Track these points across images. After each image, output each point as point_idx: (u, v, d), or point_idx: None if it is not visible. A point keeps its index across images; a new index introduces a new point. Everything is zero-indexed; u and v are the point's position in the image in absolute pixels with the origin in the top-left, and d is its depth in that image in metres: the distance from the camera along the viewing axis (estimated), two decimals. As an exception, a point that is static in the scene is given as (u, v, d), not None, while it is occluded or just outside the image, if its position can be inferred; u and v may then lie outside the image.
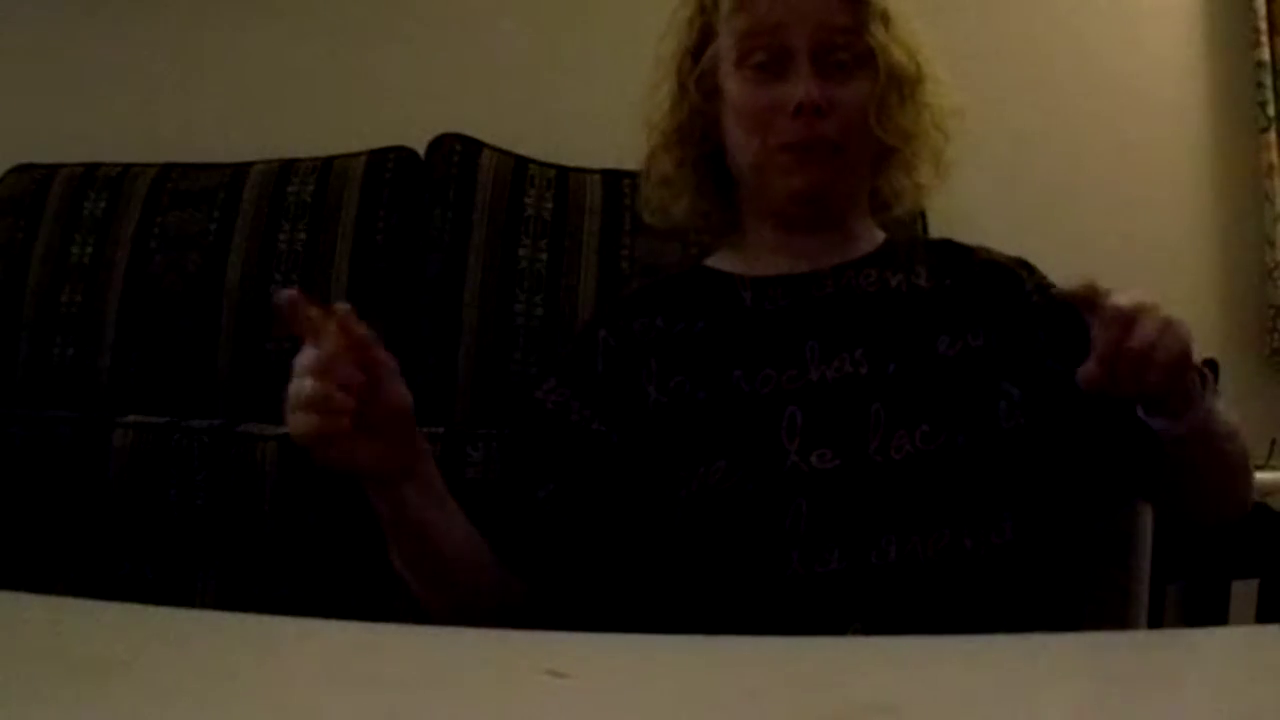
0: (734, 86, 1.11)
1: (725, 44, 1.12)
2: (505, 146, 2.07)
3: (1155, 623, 1.15)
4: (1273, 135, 2.36)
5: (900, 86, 1.11)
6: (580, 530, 1.06)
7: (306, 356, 0.88)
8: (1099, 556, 1.24)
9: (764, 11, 1.09)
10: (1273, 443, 2.03)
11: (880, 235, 1.18)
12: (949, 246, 1.17)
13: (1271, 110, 2.36)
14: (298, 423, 0.88)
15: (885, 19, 1.10)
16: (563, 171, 2.05)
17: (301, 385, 0.88)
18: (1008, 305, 1.09)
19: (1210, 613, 1.82)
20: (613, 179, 2.03)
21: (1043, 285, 1.13)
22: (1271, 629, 0.88)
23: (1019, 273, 1.13)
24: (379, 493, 0.95)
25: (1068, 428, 1.05)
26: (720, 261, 1.19)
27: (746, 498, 0.99)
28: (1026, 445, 1.03)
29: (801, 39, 1.07)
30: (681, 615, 0.97)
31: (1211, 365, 2.03)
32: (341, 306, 0.89)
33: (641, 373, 1.08)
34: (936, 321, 1.08)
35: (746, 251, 1.17)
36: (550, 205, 2.01)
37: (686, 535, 1.00)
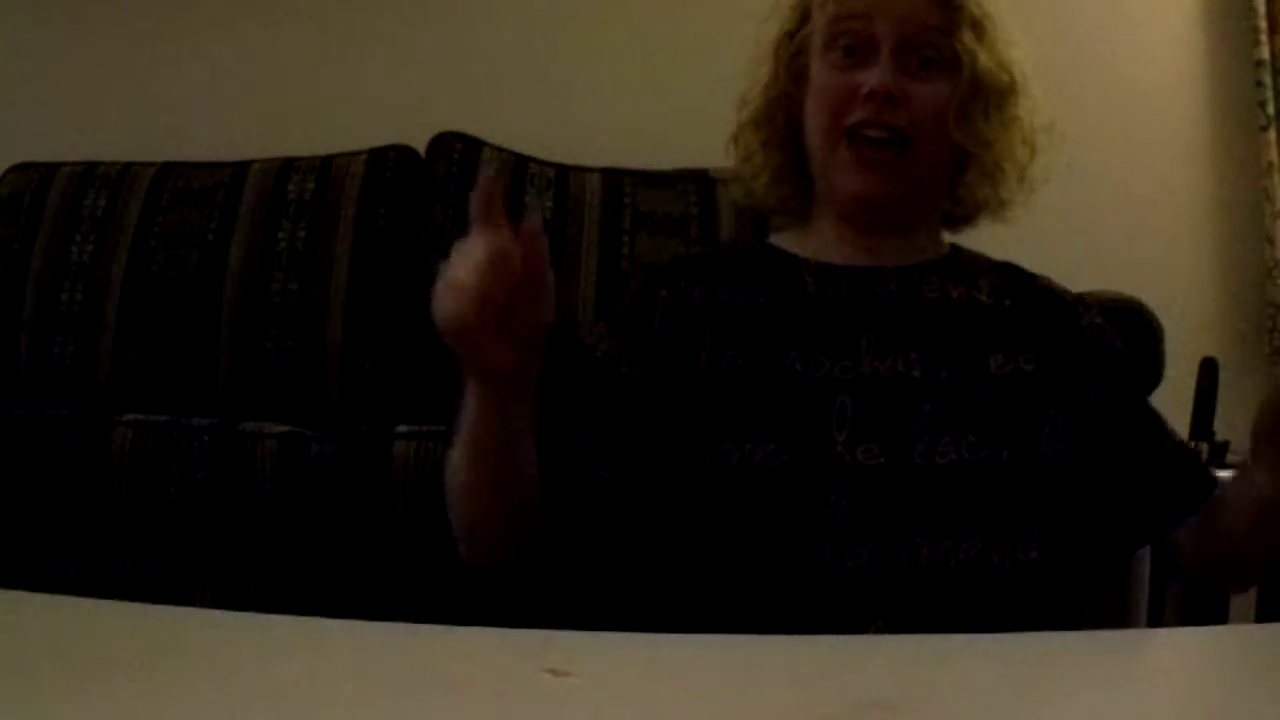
0: (818, 69, 1.13)
1: (817, 28, 1.13)
2: (505, 145, 2.07)
3: (1155, 623, 1.15)
4: (1273, 134, 2.36)
5: (986, 95, 1.11)
6: (621, 489, 1.05)
7: (477, 246, 0.88)
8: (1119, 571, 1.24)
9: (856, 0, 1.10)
10: (1273, 442, 2.02)
11: (946, 245, 1.19)
12: (1012, 269, 1.18)
13: (1271, 109, 2.35)
14: (446, 306, 0.87)
15: (978, 26, 1.11)
16: (563, 170, 2.05)
17: (462, 272, 0.87)
18: (1061, 336, 1.11)
19: (1210, 613, 1.82)
20: (613, 177, 2.03)
21: (1096, 325, 1.14)
22: (1271, 629, 0.88)
23: (1077, 308, 1.14)
24: (489, 398, 0.94)
25: (1101, 462, 1.07)
26: (786, 242, 1.19)
27: (789, 481, 0.99)
28: (1064, 472, 1.05)
29: (887, 30, 1.09)
30: (705, 592, 0.97)
31: (1211, 365, 2.03)
32: (535, 220, 0.92)
33: (697, 340, 1.08)
34: (992, 339, 1.09)
35: (815, 237, 1.17)
36: (550, 204, 2.01)
37: (724, 509, 1.00)
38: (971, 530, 0.98)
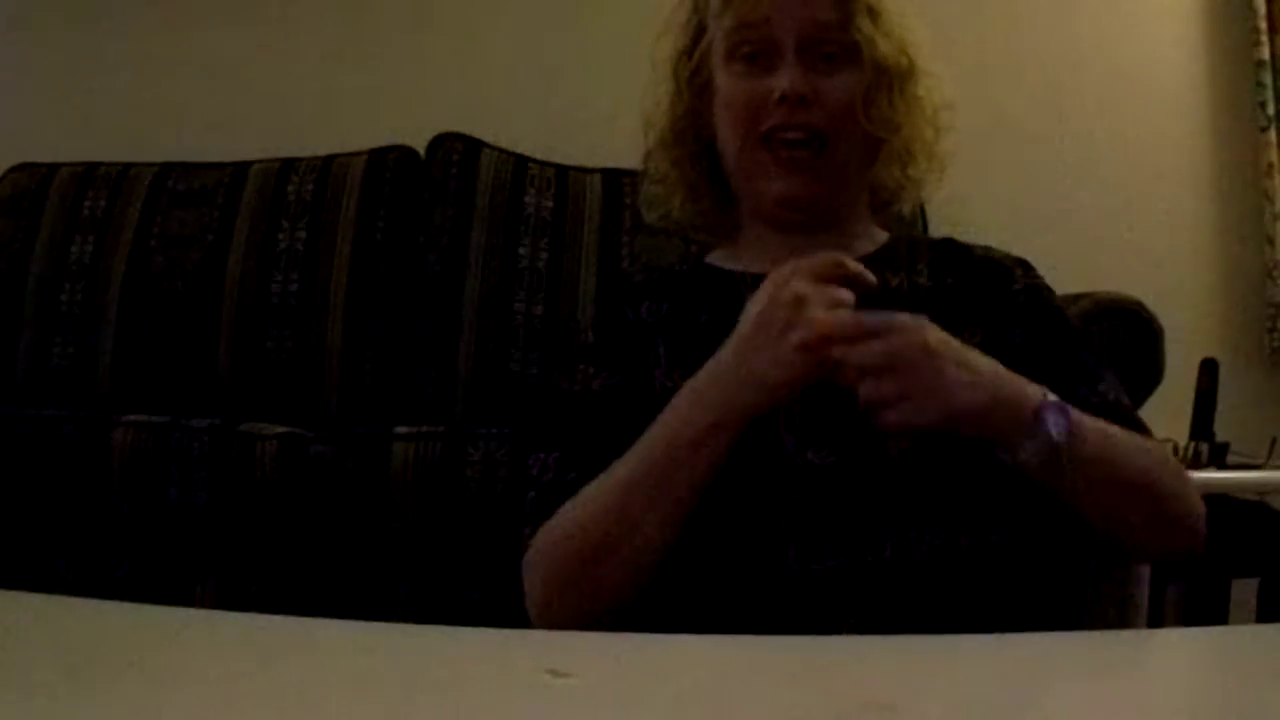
0: (723, 80, 1.13)
1: (715, 40, 1.13)
2: (505, 146, 2.07)
3: (1155, 623, 1.15)
4: (1272, 134, 2.36)
5: (889, 80, 1.11)
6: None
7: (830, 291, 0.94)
8: (1098, 556, 1.24)
9: (750, 7, 1.10)
10: (1273, 442, 2.03)
11: (883, 235, 1.19)
12: (950, 245, 1.17)
13: (1271, 109, 2.36)
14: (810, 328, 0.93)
15: (873, 13, 1.11)
16: (563, 171, 2.05)
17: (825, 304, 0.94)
18: (996, 302, 1.10)
19: (1210, 613, 1.82)
20: (613, 178, 2.03)
21: (1032, 286, 1.13)
22: (1271, 629, 0.88)
23: (1013, 270, 1.13)
24: (734, 432, 0.96)
25: None
26: (721, 259, 1.19)
27: (744, 491, 0.99)
28: None
29: (787, 32, 1.09)
30: (677, 609, 0.97)
31: (1211, 365, 2.03)
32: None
33: (650, 356, 1.09)
34: (935, 320, 1.08)
35: (747, 250, 1.17)
36: (550, 204, 2.01)
37: (686, 523, 1.00)
38: (934, 518, 0.98)
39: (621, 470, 0.99)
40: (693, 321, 1.11)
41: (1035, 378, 1.00)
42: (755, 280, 1.13)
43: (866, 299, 1.02)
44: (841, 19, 1.10)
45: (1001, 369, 0.96)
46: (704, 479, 0.96)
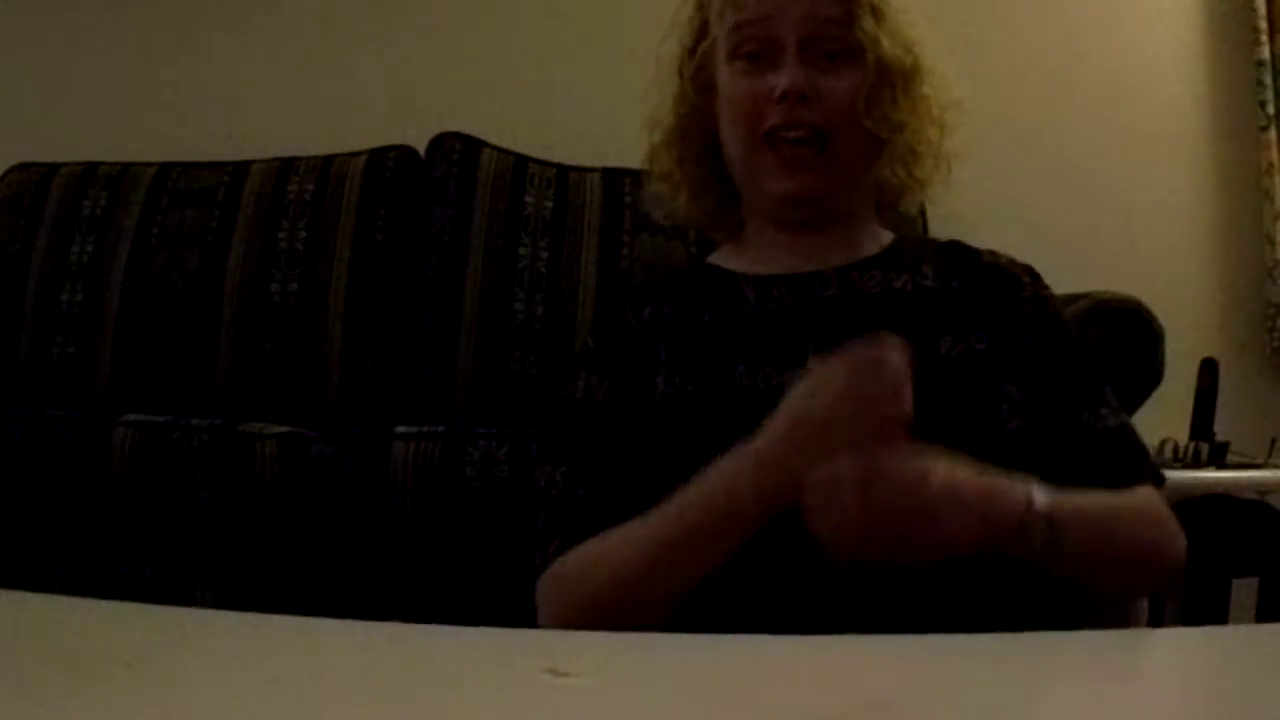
0: (725, 79, 1.13)
1: (718, 39, 1.13)
2: (505, 145, 2.07)
3: (1155, 622, 1.15)
4: (1273, 133, 2.36)
5: (893, 79, 1.11)
6: (599, 503, 1.05)
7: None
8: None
9: (753, 5, 1.10)
10: (1273, 442, 2.03)
11: (888, 236, 1.19)
12: (957, 248, 1.17)
13: (1271, 108, 2.36)
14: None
15: (877, 12, 1.11)
16: (563, 170, 2.05)
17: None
18: (1004, 308, 1.10)
19: (1210, 613, 1.82)
20: (613, 177, 2.03)
21: (1040, 296, 1.13)
22: (1271, 628, 0.88)
23: (1021, 279, 1.13)
24: (759, 517, 0.95)
25: (1053, 435, 1.06)
26: (724, 259, 1.19)
27: None
28: (1027, 447, 1.04)
29: (789, 30, 1.08)
30: (683, 611, 0.97)
31: (1211, 365, 2.03)
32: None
33: (651, 362, 1.09)
34: (940, 322, 1.08)
35: (750, 250, 1.17)
36: (550, 204, 2.01)
37: None
38: None
39: (656, 527, 0.98)
40: (694, 324, 1.11)
41: (1041, 389, 1.00)
42: (757, 280, 1.13)
43: (870, 298, 1.02)
44: (844, 17, 1.10)
45: (986, 481, 0.94)
46: (739, 545, 0.96)
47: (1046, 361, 1.08)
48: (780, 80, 1.08)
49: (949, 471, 0.92)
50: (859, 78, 1.09)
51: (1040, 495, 0.95)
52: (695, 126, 1.17)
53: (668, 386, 1.07)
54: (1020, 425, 1.04)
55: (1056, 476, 1.05)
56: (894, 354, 0.92)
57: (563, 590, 1.02)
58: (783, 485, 0.92)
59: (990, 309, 1.09)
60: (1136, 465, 1.08)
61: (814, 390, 0.93)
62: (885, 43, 1.10)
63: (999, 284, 1.12)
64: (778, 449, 0.94)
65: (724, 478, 0.96)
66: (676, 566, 0.97)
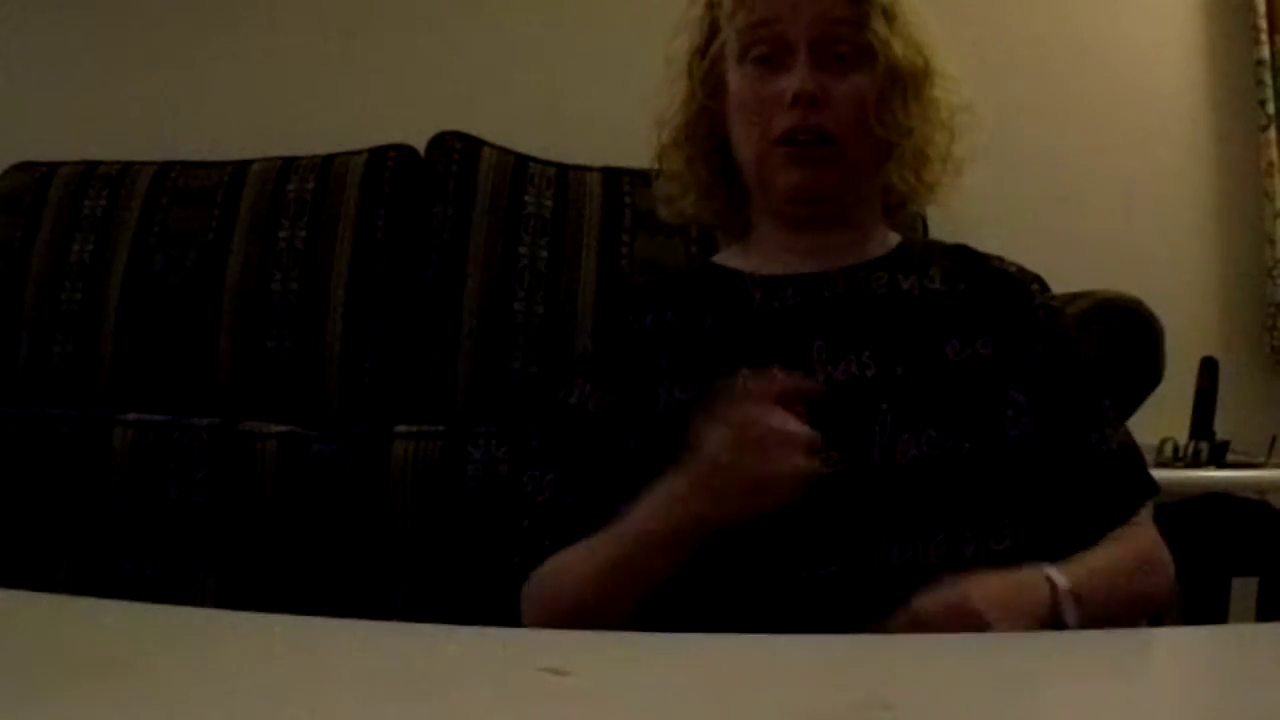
0: (736, 80, 1.13)
1: (728, 40, 1.13)
2: (505, 144, 2.07)
3: (1155, 622, 1.15)
4: (1273, 133, 2.36)
5: (903, 82, 1.11)
6: (591, 514, 1.06)
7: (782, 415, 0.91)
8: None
9: (763, 6, 1.10)
10: (1273, 441, 2.03)
11: (895, 238, 1.19)
12: (965, 252, 1.17)
13: (1271, 108, 2.36)
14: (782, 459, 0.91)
15: (888, 14, 1.10)
16: (563, 169, 2.05)
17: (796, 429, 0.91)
18: (1014, 315, 1.10)
19: (1210, 612, 1.82)
20: (613, 177, 2.03)
21: (1050, 307, 1.13)
22: (1271, 628, 0.88)
23: (1030, 287, 1.13)
24: (698, 539, 0.95)
25: (1058, 452, 1.06)
26: (729, 259, 1.19)
27: None
28: (1030, 454, 1.04)
29: (800, 32, 1.08)
30: (682, 612, 0.97)
31: (1211, 364, 2.03)
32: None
33: (653, 371, 1.08)
34: (947, 326, 1.08)
35: (756, 250, 1.17)
36: (550, 203, 2.01)
37: None
38: (940, 526, 0.98)
39: (601, 549, 1.00)
40: (697, 328, 1.11)
41: (1048, 401, 1.00)
42: (764, 280, 1.13)
43: (876, 299, 1.01)
44: (855, 18, 1.09)
45: (1010, 578, 0.96)
46: (678, 566, 0.96)
47: (1057, 374, 1.08)
48: (791, 82, 1.07)
49: (979, 582, 0.93)
50: (869, 81, 1.09)
51: (1059, 576, 0.96)
52: (705, 126, 1.17)
53: (669, 397, 1.06)
54: (1023, 433, 1.04)
55: (1058, 490, 1.06)
56: (773, 386, 0.93)
57: (539, 599, 1.04)
58: (708, 519, 0.94)
59: (998, 314, 1.09)
60: (1137, 486, 1.09)
61: (721, 440, 0.93)
62: (896, 45, 1.10)
63: (1007, 290, 1.12)
64: (699, 494, 0.95)
65: (659, 505, 0.97)
66: (627, 587, 0.98)
